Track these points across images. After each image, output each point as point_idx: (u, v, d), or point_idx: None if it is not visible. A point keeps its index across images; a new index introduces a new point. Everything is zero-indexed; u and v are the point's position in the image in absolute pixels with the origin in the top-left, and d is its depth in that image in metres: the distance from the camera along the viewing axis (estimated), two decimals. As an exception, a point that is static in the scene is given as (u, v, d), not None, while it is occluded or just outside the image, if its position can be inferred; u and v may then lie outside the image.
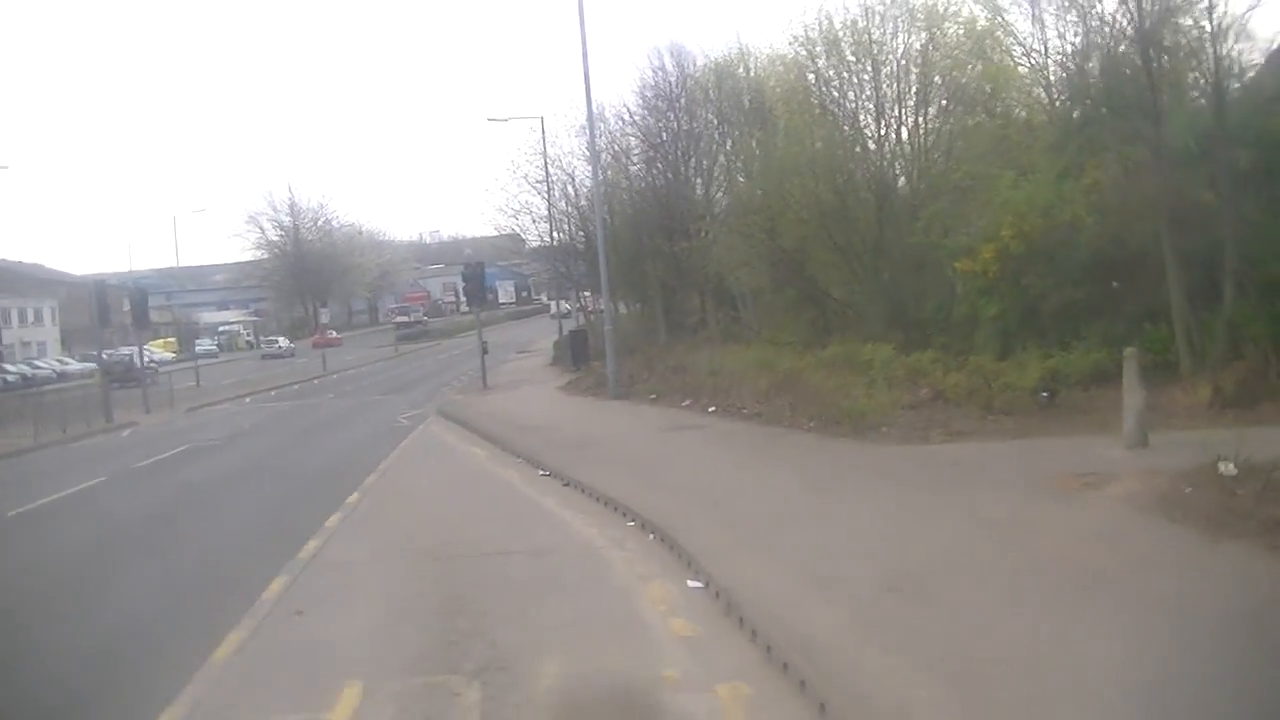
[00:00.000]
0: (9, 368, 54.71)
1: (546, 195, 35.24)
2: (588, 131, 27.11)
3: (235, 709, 5.72)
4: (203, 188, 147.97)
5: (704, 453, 12.98)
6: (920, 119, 21.55)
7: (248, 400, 33.06)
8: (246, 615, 7.43)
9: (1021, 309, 14.90)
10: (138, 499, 14.30)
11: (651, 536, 8.88)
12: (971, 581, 6.51)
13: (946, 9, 21.23)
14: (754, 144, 27.60)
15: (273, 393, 35.47)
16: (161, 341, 74.51)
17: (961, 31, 21.27)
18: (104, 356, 32.96)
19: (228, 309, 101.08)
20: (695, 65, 32.75)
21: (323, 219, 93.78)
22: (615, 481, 11.16)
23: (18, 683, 6.56)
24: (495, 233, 46.03)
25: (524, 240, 43.68)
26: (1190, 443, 8.74)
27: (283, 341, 68.17)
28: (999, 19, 20.12)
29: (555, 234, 36.04)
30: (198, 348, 66.37)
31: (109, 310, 31.83)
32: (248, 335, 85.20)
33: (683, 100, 32.44)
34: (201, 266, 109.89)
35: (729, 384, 17.12)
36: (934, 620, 5.81)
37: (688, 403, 17.63)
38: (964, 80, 21.16)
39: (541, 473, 12.97)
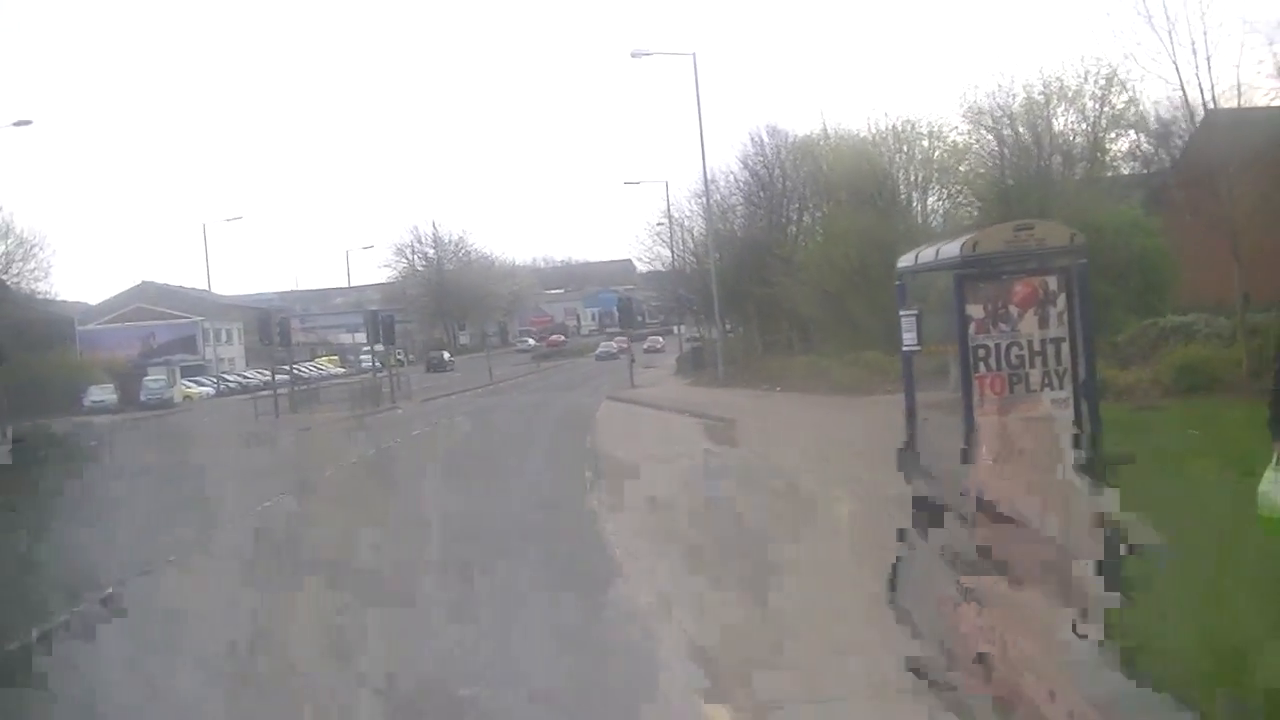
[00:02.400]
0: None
1: (670, 243, 49.49)
2: (705, 197, 41.23)
3: (602, 440, 19.78)
4: (306, 212, 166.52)
5: (756, 402, 26.70)
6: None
7: (454, 397, 47.66)
8: (587, 437, 21.53)
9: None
10: (483, 422, 28.61)
11: (724, 426, 22.58)
12: (811, 416, 20.02)
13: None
14: (820, 214, 41.25)
15: (468, 393, 50.10)
16: (326, 358, 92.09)
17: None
18: (291, 370, 47.65)
19: (358, 331, 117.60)
20: (786, 141, 46.54)
21: (463, 250, 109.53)
22: (710, 413, 24.93)
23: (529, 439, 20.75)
24: (609, 259, 61.35)
25: (635, 266, 58.07)
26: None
27: (446, 355, 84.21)
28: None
29: (675, 270, 50.22)
30: (363, 363, 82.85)
31: (289, 332, 46.57)
32: (398, 354, 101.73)
33: (776, 170, 46.31)
34: (322, 290, 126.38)
35: (785, 375, 30.74)
36: (784, 423, 19.37)
37: (764, 387, 31.30)
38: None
39: (676, 412, 26.85)
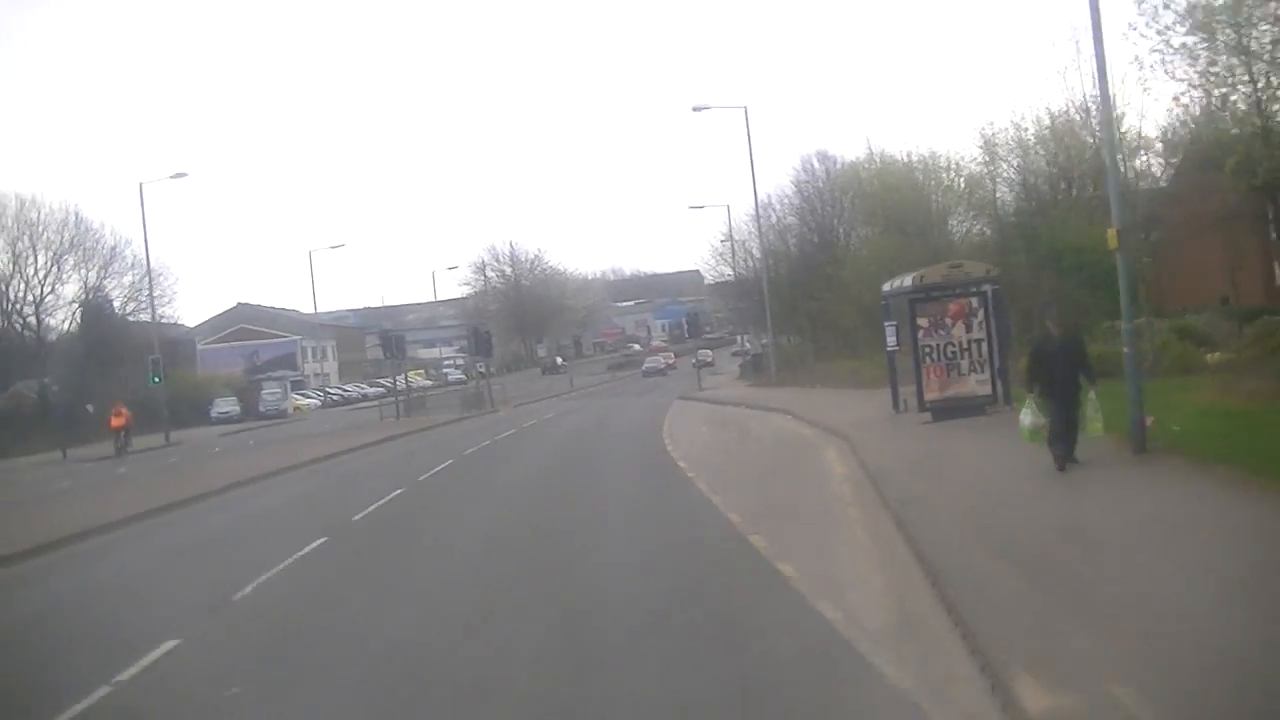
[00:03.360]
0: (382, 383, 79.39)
1: (731, 262, 56.11)
2: (760, 236, 47.81)
3: (673, 421, 26.60)
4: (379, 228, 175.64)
5: (794, 394, 33.23)
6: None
7: (543, 402, 54.74)
8: (665, 421, 28.39)
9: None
10: (578, 417, 35.56)
11: (782, 413, 29.17)
12: (831, 400, 26.47)
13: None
14: (863, 233, 47.56)
15: (554, 399, 57.19)
16: (414, 371, 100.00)
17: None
18: (386, 383, 54.89)
19: (434, 346, 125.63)
20: (835, 166, 52.93)
21: (539, 267, 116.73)
22: (766, 405, 31.52)
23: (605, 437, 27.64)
24: (676, 270, 68.00)
25: (703, 277, 64.64)
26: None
27: (560, 359, 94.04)
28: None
29: (738, 283, 56.76)
30: (448, 376, 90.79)
31: (405, 348, 53.77)
32: (480, 367, 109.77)
33: (825, 194, 52.76)
34: (396, 306, 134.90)
35: (827, 376, 37.16)
36: (806, 404, 25.89)
37: (806, 385, 37.75)
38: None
39: (740, 407, 33.43)
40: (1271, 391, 14.55)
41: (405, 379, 55.68)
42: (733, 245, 55.16)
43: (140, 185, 48.45)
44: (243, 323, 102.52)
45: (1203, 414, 14.22)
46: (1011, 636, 6.27)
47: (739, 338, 73.83)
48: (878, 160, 49.77)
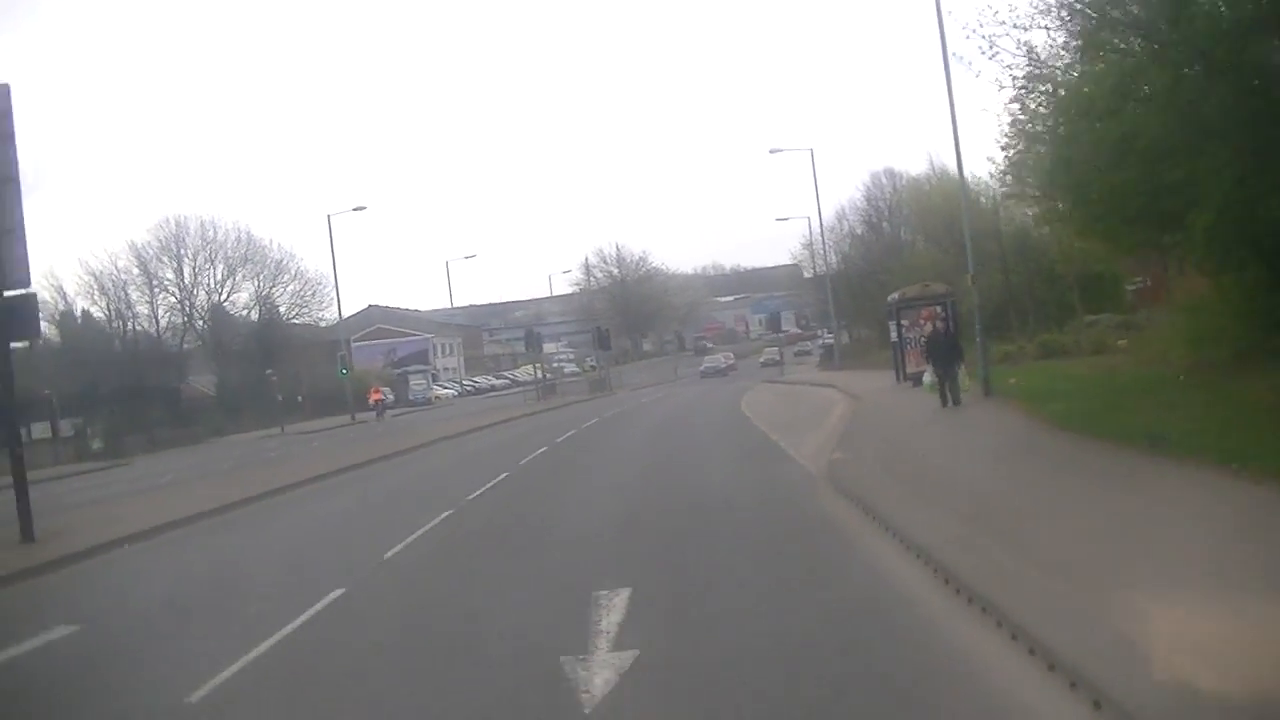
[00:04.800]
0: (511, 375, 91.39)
1: (812, 266, 66.81)
2: (823, 260, 58.45)
3: (753, 396, 37.65)
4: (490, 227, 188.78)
5: (852, 375, 43.71)
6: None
7: (651, 388, 66.09)
8: (745, 395, 39.48)
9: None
10: (685, 396, 46.85)
11: (828, 386, 39.93)
12: (873, 378, 37.10)
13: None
14: (919, 243, 57.86)
15: (662, 385, 68.56)
16: (529, 366, 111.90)
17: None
18: (511, 375, 66.40)
19: (545, 342, 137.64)
20: (901, 181, 63.24)
21: (644, 268, 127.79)
22: (822, 383, 42.31)
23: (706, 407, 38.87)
24: (773, 265, 78.98)
25: (803, 272, 75.12)
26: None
27: (709, 343, 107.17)
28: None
29: (817, 283, 67.41)
30: (564, 369, 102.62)
31: (532, 342, 65.37)
32: (591, 361, 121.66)
33: (890, 205, 63.20)
34: (503, 303, 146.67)
35: (880, 361, 47.64)
36: (863, 381, 36.57)
37: (865, 369, 48.29)
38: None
39: (804, 385, 44.25)
40: (1091, 364, 25.06)
41: (540, 369, 67.37)
42: (811, 252, 65.87)
43: (328, 218, 61.01)
44: (376, 323, 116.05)
45: (1046, 377, 24.71)
46: (857, 447, 17.27)
47: (820, 331, 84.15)
48: (937, 175, 60.00)
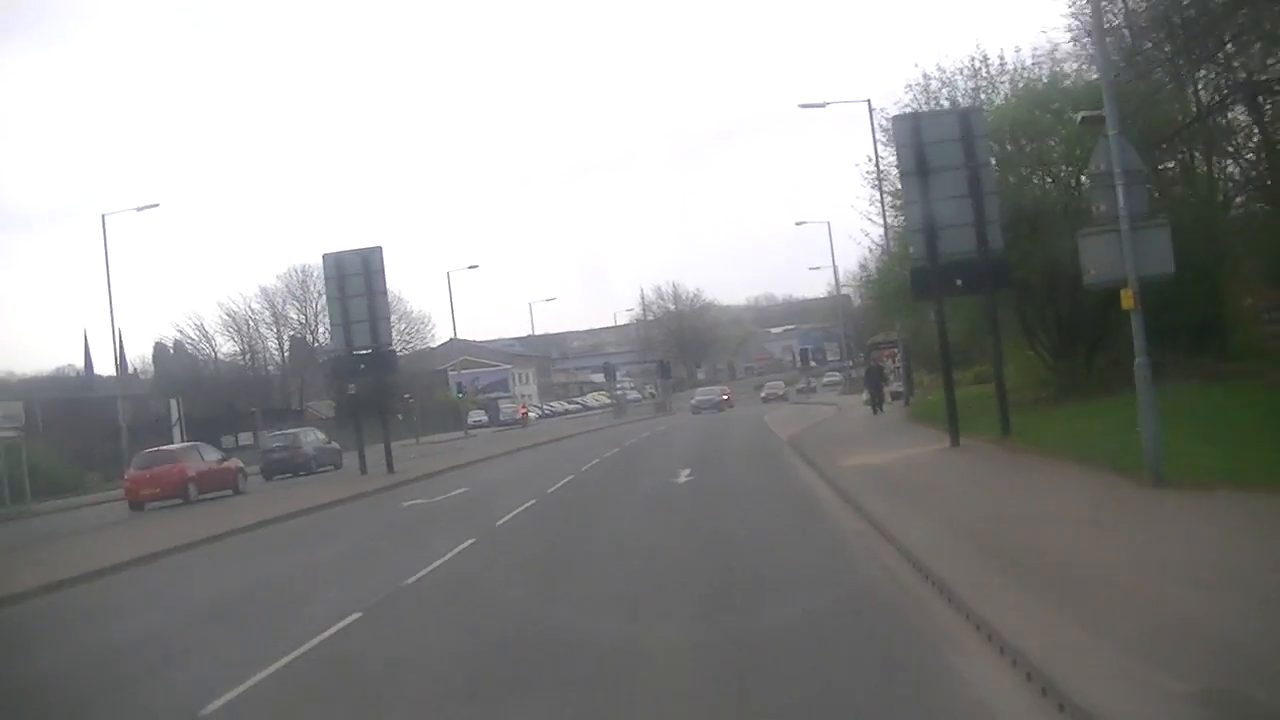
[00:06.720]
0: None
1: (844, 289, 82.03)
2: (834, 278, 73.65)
3: (776, 411, 53.13)
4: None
5: (852, 398, 58.81)
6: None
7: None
8: (770, 413, 54.94)
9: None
10: (727, 414, 62.40)
11: (832, 405, 55.13)
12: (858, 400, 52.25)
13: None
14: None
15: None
16: (595, 393, 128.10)
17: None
18: (581, 401, 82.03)
19: (599, 372, 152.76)
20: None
21: (699, 302, 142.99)
22: (829, 402, 57.51)
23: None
24: (824, 294, 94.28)
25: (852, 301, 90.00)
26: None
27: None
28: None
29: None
30: (626, 395, 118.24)
31: (610, 373, 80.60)
32: (651, 389, 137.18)
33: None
34: (560, 334, 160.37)
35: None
36: (846, 398, 51.78)
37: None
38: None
39: (816, 405, 59.51)
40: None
41: (611, 395, 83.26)
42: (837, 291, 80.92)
43: (448, 274, 77.26)
44: (457, 354, 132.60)
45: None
46: (810, 430, 32.77)
47: (849, 362, 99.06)
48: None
